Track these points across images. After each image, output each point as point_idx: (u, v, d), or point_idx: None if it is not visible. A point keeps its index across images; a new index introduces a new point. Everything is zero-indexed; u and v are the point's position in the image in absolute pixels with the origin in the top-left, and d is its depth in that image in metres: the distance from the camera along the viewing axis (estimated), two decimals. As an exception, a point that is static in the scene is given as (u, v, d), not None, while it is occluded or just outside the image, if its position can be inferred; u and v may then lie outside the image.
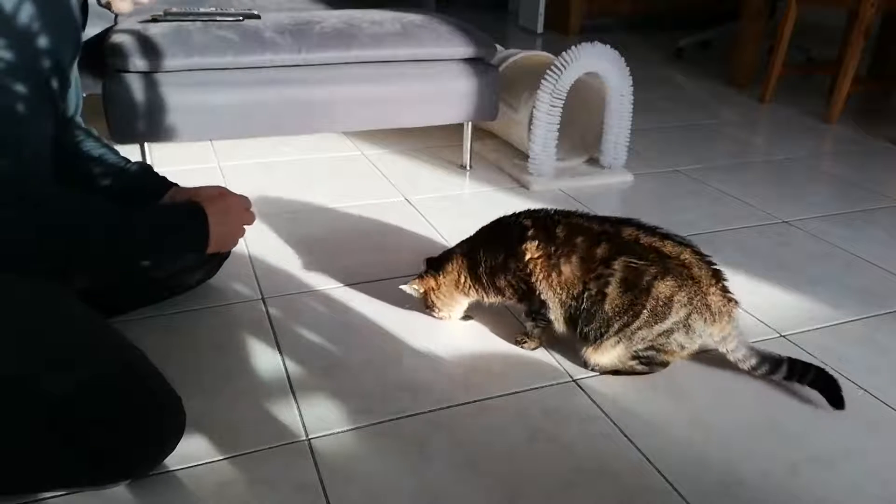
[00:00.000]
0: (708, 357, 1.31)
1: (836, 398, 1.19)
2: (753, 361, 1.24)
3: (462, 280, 1.36)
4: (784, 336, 1.41)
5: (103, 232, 1.11)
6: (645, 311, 1.20)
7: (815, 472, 1.07)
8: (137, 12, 1.71)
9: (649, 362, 1.25)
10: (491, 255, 1.32)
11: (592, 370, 1.28)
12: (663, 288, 1.19)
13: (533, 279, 1.27)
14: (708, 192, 2.14)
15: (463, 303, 1.40)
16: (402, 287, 1.39)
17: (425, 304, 1.40)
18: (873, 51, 3.27)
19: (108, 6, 1.25)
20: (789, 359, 1.24)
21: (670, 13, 4.88)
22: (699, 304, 1.20)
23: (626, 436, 1.14)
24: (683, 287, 1.20)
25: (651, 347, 1.23)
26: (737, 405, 1.22)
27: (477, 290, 1.36)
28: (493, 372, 1.29)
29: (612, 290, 1.21)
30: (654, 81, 3.48)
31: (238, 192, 1.34)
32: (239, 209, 1.31)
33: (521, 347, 1.35)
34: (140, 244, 1.17)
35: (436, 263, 1.39)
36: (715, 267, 1.24)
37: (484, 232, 1.38)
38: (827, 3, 3.21)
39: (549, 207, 1.35)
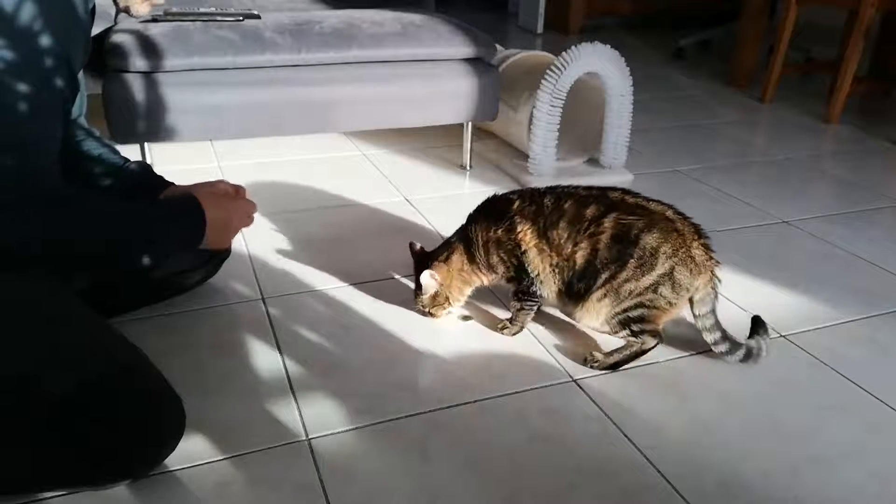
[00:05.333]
0: (707, 356, 1.32)
1: None
2: (717, 335, 1.28)
3: (464, 266, 1.37)
4: (784, 336, 1.41)
5: (104, 229, 1.11)
6: (632, 261, 1.24)
7: (815, 472, 1.07)
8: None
9: (640, 329, 1.26)
10: (483, 230, 1.35)
11: (586, 325, 1.31)
12: (650, 240, 1.24)
13: (523, 249, 1.30)
14: (708, 192, 2.14)
15: (466, 292, 1.40)
16: (424, 279, 1.35)
17: (433, 301, 1.38)
18: (873, 51, 3.26)
19: (126, 10, 1.25)
20: (746, 345, 1.28)
21: (670, 13, 4.88)
22: (684, 256, 1.24)
23: (626, 436, 1.14)
24: (668, 240, 1.24)
25: (640, 304, 1.25)
26: (737, 405, 1.22)
27: (477, 274, 1.38)
28: (493, 372, 1.29)
29: (603, 244, 1.25)
30: (654, 81, 3.48)
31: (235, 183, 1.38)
32: (232, 198, 1.34)
33: (502, 333, 1.37)
34: (137, 234, 1.16)
35: (439, 255, 1.39)
36: (696, 224, 1.29)
37: (473, 214, 1.40)
38: (827, 3, 3.21)
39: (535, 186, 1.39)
